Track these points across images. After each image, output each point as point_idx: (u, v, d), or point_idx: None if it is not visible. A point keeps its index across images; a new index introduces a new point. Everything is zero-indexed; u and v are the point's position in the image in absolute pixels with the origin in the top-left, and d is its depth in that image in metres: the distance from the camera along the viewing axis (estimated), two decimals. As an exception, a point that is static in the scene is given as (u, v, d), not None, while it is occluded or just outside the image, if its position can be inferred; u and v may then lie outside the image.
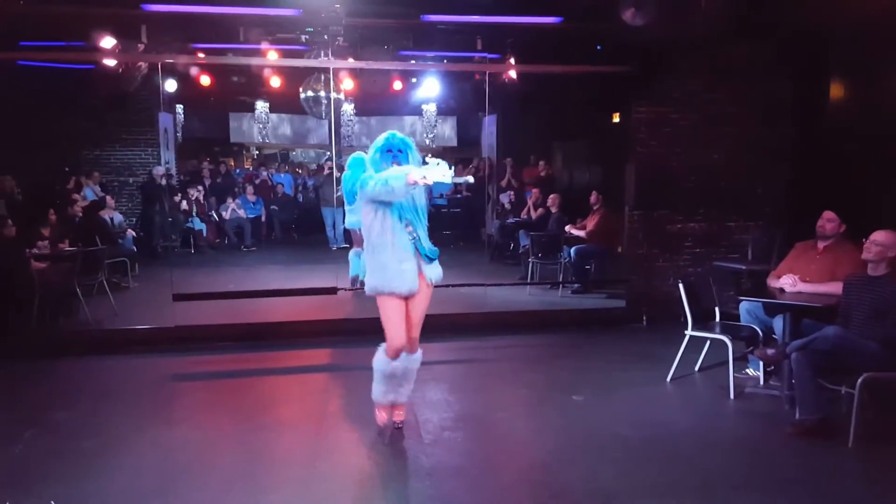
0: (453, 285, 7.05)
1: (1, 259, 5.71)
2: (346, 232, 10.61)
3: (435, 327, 6.15)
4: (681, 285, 4.76)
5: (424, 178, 3.20)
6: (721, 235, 6.68)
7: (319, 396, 4.67)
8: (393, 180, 3.27)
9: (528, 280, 7.93)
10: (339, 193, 8.48)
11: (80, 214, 8.10)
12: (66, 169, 9.76)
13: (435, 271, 3.69)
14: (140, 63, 7.77)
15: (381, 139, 3.65)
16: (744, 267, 5.84)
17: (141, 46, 7.16)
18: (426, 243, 3.63)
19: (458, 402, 4.48)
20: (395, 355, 3.65)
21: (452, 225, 11.23)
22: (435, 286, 3.72)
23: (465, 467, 3.50)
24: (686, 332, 4.71)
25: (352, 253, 8.34)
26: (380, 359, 3.71)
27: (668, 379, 4.79)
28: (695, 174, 6.57)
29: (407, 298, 3.62)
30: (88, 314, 6.32)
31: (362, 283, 3.84)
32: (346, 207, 7.94)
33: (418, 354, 3.81)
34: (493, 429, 4.06)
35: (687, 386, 4.78)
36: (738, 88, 6.49)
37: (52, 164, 9.58)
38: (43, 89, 8.83)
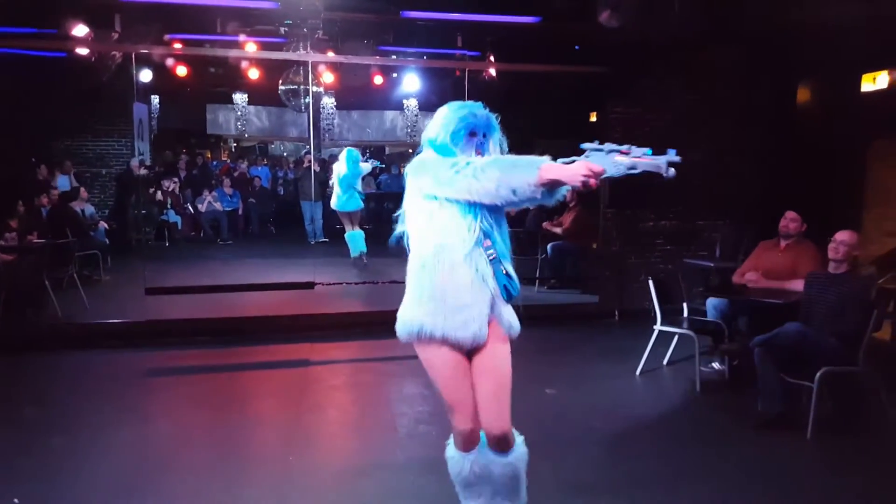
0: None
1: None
2: (325, 226, 10.66)
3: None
4: (650, 282, 4.88)
5: (586, 175, 2.07)
6: (691, 234, 6.83)
7: (295, 391, 4.69)
8: (512, 170, 2.09)
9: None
10: (331, 188, 8.56)
11: (51, 205, 7.97)
12: (33, 160, 9.57)
13: (513, 316, 2.46)
14: (114, 52, 7.65)
15: (456, 111, 2.38)
16: (712, 264, 5.99)
17: (115, 35, 7.06)
18: (509, 270, 2.38)
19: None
20: (467, 446, 2.45)
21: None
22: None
23: (440, 461, 3.52)
24: (655, 327, 4.83)
25: (347, 234, 8.45)
26: (451, 455, 2.54)
27: (638, 372, 4.90)
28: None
29: (470, 352, 2.38)
30: (58, 308, 6.21)
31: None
32: (337, 190, 8.01)
33: (518, 451, 2.49)
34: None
35: (656, 379, 4.91)
36: (712, 90, 6.63)
37: (20, 155, 9.39)
38: (12, 77, 8.64)
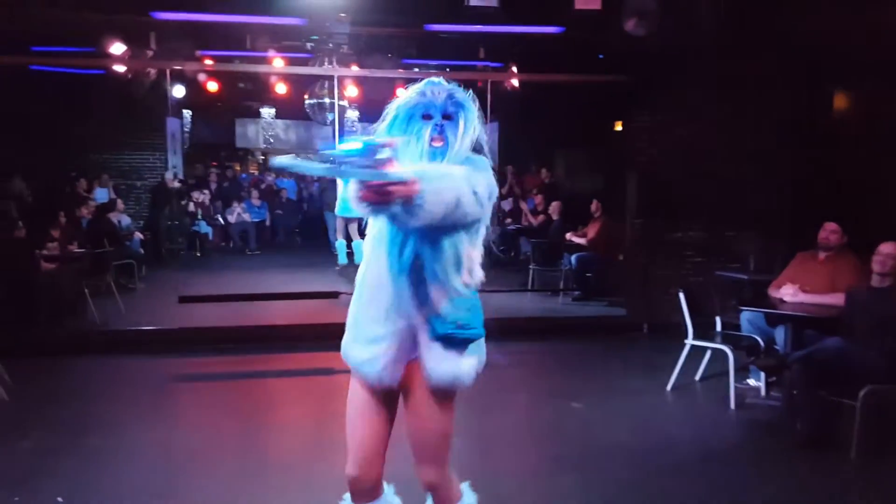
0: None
1: (11, 260, 5.79)
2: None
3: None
4: (681, 294, 4.78)
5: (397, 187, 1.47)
6: (723, 245, 6.69)
7: (320, 399, 4.71)
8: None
9: (529, 287, 7.96)
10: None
11: (91, 216, 8.20)
12: (73, 173, 9.87)
13: (447, 363, 1.94)
14: (149, 69, 7.86)
15: (403, 98, 1.95)
16: (745, 277, 5.85)
17: (150, 53, 7.26)
18: (443, 307, 1.87)
19: (456, 406, 4.51)
20: (353, 495, 2.13)
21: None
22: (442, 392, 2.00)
23: (463, 473, 3.51)
24: (686, 341, 4.72)
25: (337, 243, 8.42)
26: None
27: (669, 388, 4.80)
28: (696, 183, 6.59)
29: (386, 391, 2.03)
30: (96, 315, 6.38)
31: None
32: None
33: None
34: (490, 435, 4.07)
35: (687, 395, 4.80)
36: (739, 99, 6.52)
37: (60, 168, 9.69)
38: (54, 94, 8.93)
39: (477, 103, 1.98)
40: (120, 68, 7.57)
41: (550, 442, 3.95)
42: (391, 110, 1.94)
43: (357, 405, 2.07)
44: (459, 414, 4.21)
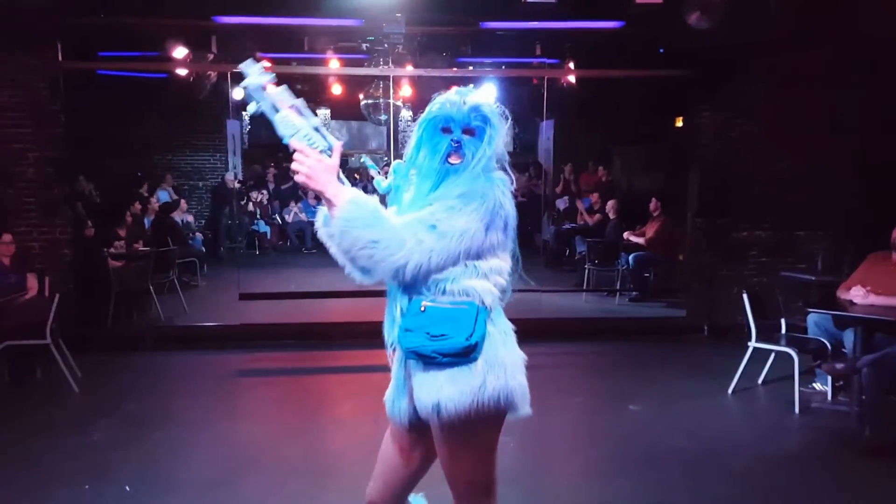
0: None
1: (81, 258, 6.08)
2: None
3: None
4: (745, 296, 4.63)
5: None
6: (788, 245, 6.43)
7: (376, 397, 4.74)
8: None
9: (585, 287, 7.85)
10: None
11: (154, 216, 8.54)
12: (139, 174, 10.30)
13: (427, 388, 1.71)
14: (210, 72, 8.12)
15: (436, 101, 1.83)
16: (813, 278, 5.61)
17: (210, 56, 7.49)
18: (416, 319, 1.71)
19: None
20: None
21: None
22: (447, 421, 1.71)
23: (518, 473, 3.50)
24: (750, 343, 4.56)
25: None
26: None
27: (730, 391, 4.65)
28: (761, 181, 6.35)
29: (407, 428, 1.88)
30: (160, 311, 6.63)
31: None
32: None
33: None
34: (546, 435, 4.03)
35: (749, 399, 4.64)
36: (806, 95, 6.24)
37: (126, 168, 10.13)
38: (119, 97, 9.33)
39: (508, 119, 1.82)
40: (182, 72, 7.85)
41: (607, 444, 3.88)
42: (417, 127, 1.83)
43: (387, 434, 1.96)
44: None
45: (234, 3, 6.33)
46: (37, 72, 5.59)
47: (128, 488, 3.24)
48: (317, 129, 1.72)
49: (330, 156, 1.70)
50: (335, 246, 1.70)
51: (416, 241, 1.63)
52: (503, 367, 1.73)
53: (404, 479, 1.93)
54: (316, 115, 1.77)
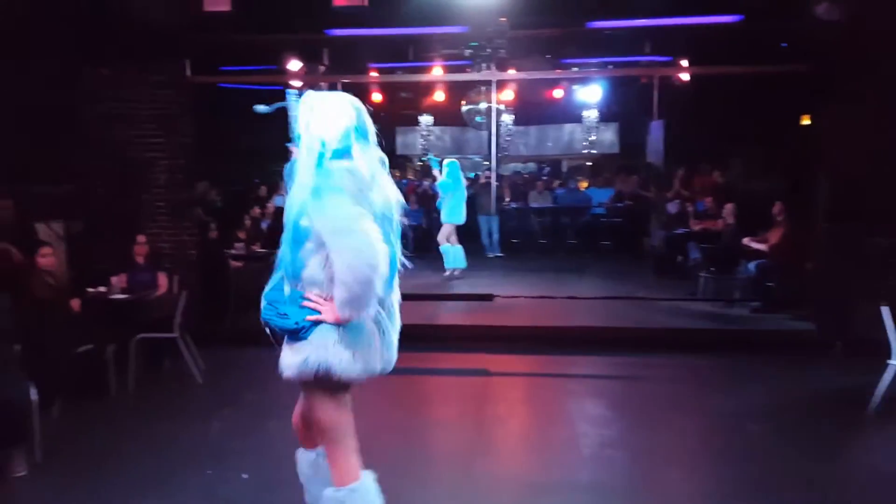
0: (612, 297, 6.82)
1: (207, 258, 6.51)
2: (501, 241, 10.77)
3: (593, 341, 6.05)
4: (884, 309, 4.19)
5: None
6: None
7: (476, 400, 4.74)
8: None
9: (698, 296, 7.42)
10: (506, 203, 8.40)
11: (270, 220, 9.02)
12: (257, 180, 10.93)
13: (285, 351, 2.32)
14: (322, 83, 8.48)
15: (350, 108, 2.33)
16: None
17: (322, 68, 7.82)
18: (279, 295, 2.30)
19: (619, 419, 4.31)
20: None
21: (612, 235, 10.85)
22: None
23: (629, 488, 3.34)
24: (890, 361, 4.13)
25: (442, 248, 8.37)
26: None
27: (868, 413, 4.21)
28: (900, 183, 5.74)
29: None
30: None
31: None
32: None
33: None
34: (659, 451, 3.83)
35: (891, 423, 4.17)
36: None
37: (245, 175, 10.78)
38: (238, 109, 9.93)
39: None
40: (296, 83, 8.25)
41: (723, 465, 3.62)
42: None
43: None
44: (624, 427, 4.00)
45: (344, 17, 6.58)
46: (168, 86, 6.07)
47: (245, 475, 3.40)
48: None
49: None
50: (365, 310, 2.22)
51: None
52: (325, 347, 2.19)
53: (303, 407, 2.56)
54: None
